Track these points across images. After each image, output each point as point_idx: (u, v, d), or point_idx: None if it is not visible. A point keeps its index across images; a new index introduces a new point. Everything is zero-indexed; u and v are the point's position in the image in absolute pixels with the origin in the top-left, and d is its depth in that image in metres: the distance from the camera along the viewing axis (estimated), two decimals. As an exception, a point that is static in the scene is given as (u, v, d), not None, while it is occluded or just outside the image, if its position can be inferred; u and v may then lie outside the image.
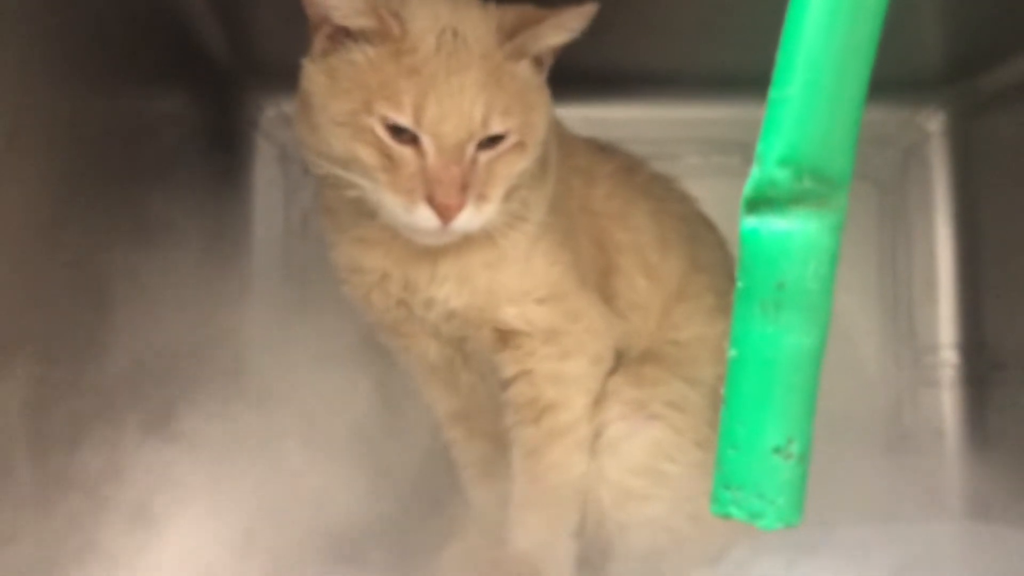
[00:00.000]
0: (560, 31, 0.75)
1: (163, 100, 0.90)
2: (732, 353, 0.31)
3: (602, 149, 0.94)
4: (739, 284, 0.30)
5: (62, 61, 0.69)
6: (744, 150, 1.11)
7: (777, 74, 0.29)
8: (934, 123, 1.17)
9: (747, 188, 0.30)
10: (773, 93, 0.29)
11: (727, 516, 0.34)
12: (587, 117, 0.95)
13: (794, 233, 0.29)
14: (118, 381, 0.76)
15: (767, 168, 0.29)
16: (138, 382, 0.79)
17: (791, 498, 0.33)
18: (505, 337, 0.80)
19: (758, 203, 0.29)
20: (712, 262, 0.93)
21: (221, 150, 1.06)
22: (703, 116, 1.15)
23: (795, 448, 0.30)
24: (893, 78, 0.84)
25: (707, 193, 0.98)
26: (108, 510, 0.69)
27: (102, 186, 0.76)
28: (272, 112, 1.13)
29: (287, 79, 0.98)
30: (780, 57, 0.29)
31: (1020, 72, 1.00)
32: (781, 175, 0.29)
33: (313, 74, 0.74)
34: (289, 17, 0.92)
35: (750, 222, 0.30)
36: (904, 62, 1.03)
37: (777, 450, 0.30)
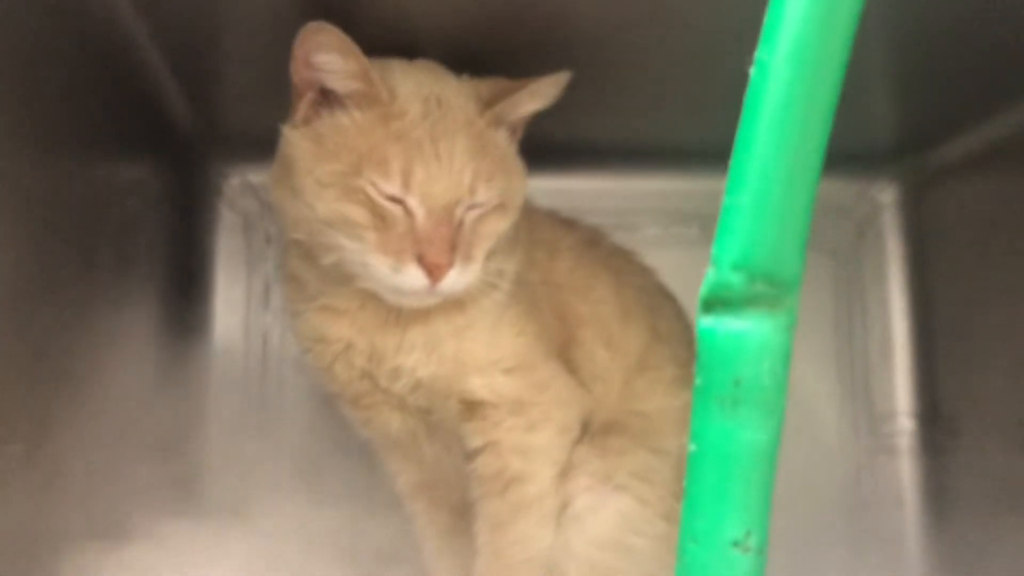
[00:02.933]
0: (536, 98, 0.77)
1: (127, 169, 0.90)
2: (692, 448, 0.31)
3: (564, 222, 0.95)
4: (697, 381, 0.31)
5: (28, 131, 0.68)
6: (702, 221, 1.15)
7: (730, 182, 0.30)
8: (887, 195, 1.19)
9: (703, 289, 0.31)
10: (727, 200, 0.30)
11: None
12: (550, 188, 0.96)
13: (749, 333, 0.30)
14: (71, 455, 0.75)
15: (722, 271, 0.30)
16: (93, 452, 0.78)
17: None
18: (471, 408, 0.79)
19: (713, 304, 0.30)
20: (672, 333, 0.94)
21: (184, 218, 1.06)
22: (662, 188, 1.17)
23: (753, 541, 0.30)
24: (847, 152, 0.87)
25: (666, 264, 0.99)
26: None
27: (63, 255, 0.76)
28: (236, 181, 1.13)
29: (251, 148, 0.99)
30: (733, 167, 0.30)
31: (967, 147, 1.03)
32: (735, 279, 0.30)
33: (296, 140, 0.74)
34: (254, 88, 0.93)
35: (706, 321, 0.31)
36: (858, 138, 1.06)
37: (736, 543, 0.30)
